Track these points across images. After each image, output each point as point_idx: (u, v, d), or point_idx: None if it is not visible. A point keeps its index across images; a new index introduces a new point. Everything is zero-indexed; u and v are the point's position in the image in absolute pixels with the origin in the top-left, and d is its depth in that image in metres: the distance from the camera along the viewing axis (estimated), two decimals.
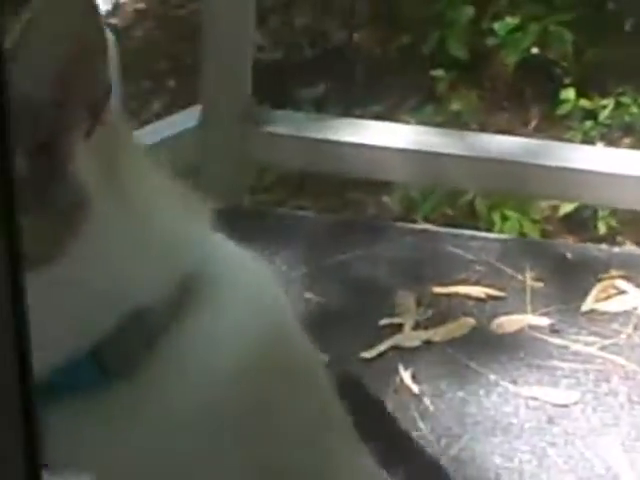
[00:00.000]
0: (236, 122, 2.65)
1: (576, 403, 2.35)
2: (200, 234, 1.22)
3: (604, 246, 2.71)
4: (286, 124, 2.72)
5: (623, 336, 2.44)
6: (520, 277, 2.55)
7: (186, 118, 2.71)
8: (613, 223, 2.91)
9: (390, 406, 2.35)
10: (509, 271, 2.56)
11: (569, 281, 2.56)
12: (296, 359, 1.25)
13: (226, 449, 1.26)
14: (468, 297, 2.51)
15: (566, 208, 3.14)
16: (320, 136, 2.69)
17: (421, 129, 2.83)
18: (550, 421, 2.32)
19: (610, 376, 2.38)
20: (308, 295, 2.52)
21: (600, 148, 2.75)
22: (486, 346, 2.45)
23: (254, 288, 1.25)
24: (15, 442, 0.85)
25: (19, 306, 0.78)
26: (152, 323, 1.23)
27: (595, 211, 3.11)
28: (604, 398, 2.35)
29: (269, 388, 1.21)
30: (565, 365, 2.40)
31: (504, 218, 3.03)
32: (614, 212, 3.05)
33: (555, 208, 3.22)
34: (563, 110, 3.38)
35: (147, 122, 2.91)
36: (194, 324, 1.17)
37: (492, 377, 2.37)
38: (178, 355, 1.23)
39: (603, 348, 2.42)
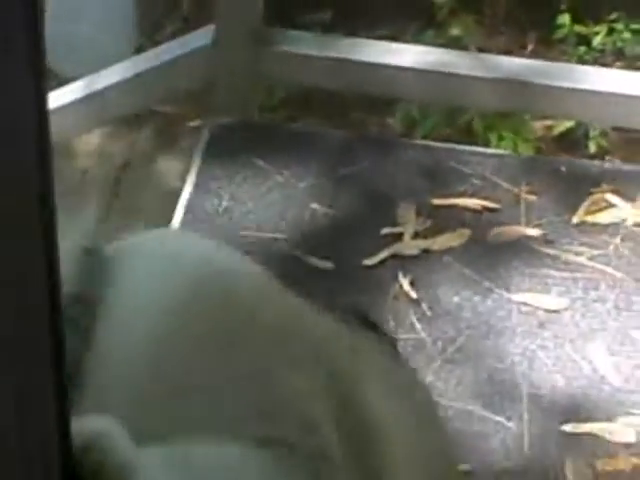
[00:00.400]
0: (248, 41, 2.61)
1: (566, 309, 2.34)
2: None
3: (596, 162, 2.71)
4: (295, 43, 2.68)
5: (611, 247, 2.43)
6: (515, 190, 2.52)
7: (200, 37, 2.65)
8: (604, 142, 2.87)
9: (389, 312, 2.31)
10: (505, 185, 2.52)
11: (562, 194, 2.52)
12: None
13: None
14: (465, 209, 2.48)
15: (559, 128, 3.10)
16: (328, 54, 2.62)
17: (425, 49, 2.76)
18: (541, 326, 2.31)
19: (598, 284, 2.38)
20: (314, 206, 2.48)
21: (594, 68, 2.67)
22: (481, 255, 2.43)
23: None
24: (47, 382, 0.87)
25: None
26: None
27: (587, 131, 3.05)
28: (592, 305, 2.35)
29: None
30: (556, 273, 2.39)
31: (500, 138, 2.98)
32: (604, 132, 3.00)
33: (549, 129, 3.18)
34: (559, 35, 3.32)
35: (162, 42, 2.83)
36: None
37: (487, 284, 2.36)
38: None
39: (592, 258, 2.40)
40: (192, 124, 2.75)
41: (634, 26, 3.31)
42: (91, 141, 2.89)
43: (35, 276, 0.81)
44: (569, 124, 2.99)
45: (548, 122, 3.13)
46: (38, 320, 0.79)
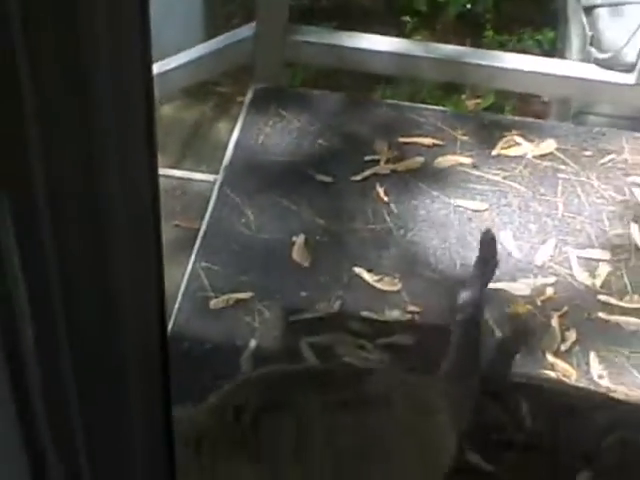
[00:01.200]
0: (279, 33, 2.66)
1: (486, 210, 2.46)
2: None
3: (508, 116, 2.79)
4: (312, 36, 2.72)
5: (517, 170, 2.55)
6: (454, 133, 2.62)
7: (246, 30, 2.70)
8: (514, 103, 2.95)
9: (369, 211, 2.43)
10: (447, 129, 2.64)
11: (485, 137, 2.63)
12: None
13: None
14: (421, 144, 2.59)
15: (484, 104, 3.20)
16: (333, 43, 2.73)
17: (398, 40, 2.88)
18: (469, 220, 2.44)
19: (507, 194, 2.50)
20: (319, 141, 2.60)
21: (505, 53, 2.76)
22: (431, 174, 2.54)
23: None
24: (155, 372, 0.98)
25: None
26: None
27: (502, 106, 3.17)
28: (503, 207, 2.47)
29: None
30: (480, 187, 2.52)
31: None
32: (514, 106, 3.12)
33: (477, 104, 3.24)
34: (485, 42, 3.48)
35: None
36: None
37: (434, 193, 2.50)
38: None
39: (504, 177, 2.54)
40: (239, 99, 2.79)
41: (536, 37, 3.47)
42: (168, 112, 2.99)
43: None
44: (491, 100, 3.07)
45: (478, 100, 3.22)
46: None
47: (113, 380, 1.00)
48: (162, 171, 2.62)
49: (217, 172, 2.58)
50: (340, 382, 1.64)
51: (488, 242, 2.07)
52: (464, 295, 1.96)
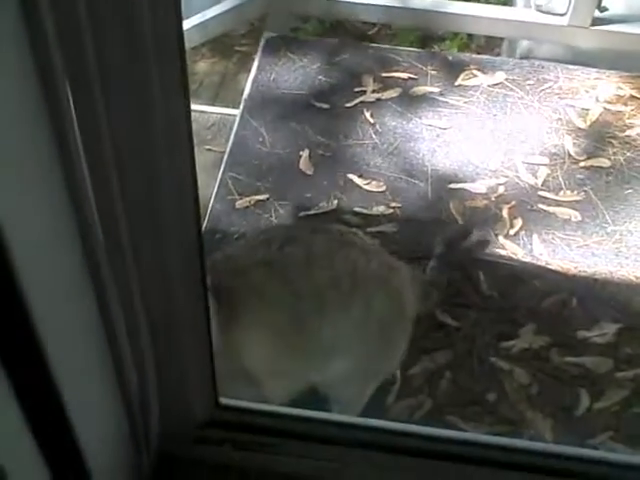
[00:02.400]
0: None
1: (450, 127, 2.42)
2: None
3: (467, 54, 2.73)
4: None
5: (474, 97, 2.50)
6: (425, 68, 2.56)
7: None
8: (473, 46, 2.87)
9: (359, 130, 2.39)
10: (420, 65, 2.57)
11: (449, 70, 2.57)
12: None
13: None
14: (399, 78, 2.54)
15: (452, 45, 3.04)
16: None
17: None
18: (438, 136, 2.40)
19: (468, 115, 2.46)
20: (320, 77, 2.54)
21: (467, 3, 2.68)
22: (407, 101, 2.49)
23: None
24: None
25: None
26: None
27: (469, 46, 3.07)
28: (464, 126, 2.43)
29: None
30: (446, 110, 2.47)
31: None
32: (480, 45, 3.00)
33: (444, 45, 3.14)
34: None
35: None
36: None
37: (409, 115, 2.46)
38: None
39: (465, 102, 2.49)
40: (254, 56, 2.69)
41: None
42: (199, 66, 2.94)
43: None
44: (459, 44, 2.96)
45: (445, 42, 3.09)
46: None
47: (163, 260, 1.07)
48: (196, 107, 2.59)
49: (239, 107, 2.53)
50: (334, 234, 1.69)
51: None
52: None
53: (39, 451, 0.97)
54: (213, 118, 2.65)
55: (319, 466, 1.26)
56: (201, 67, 2.91)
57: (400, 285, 1.69)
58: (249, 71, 2.60)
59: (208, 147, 2.53)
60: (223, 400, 1.22)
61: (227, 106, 2.69)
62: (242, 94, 2.54)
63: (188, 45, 2.91)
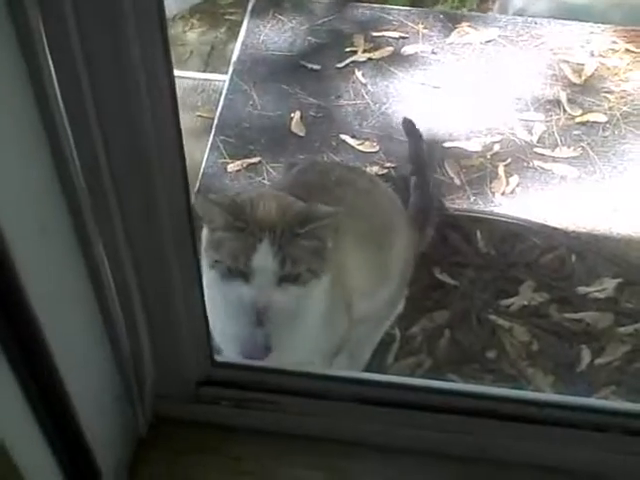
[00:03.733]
0: None
1: (444, 86, 2.36)
2: None
3: (458, 12, 2.67)
4: None
5: (466, 53, 2.45)
6: (416, 27, 2.50)
7: None
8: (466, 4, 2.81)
9: (351, 91, 2.34)
10: (411, 24, 2.52)
11: (442, 28, 2.52)
12: None
13: None
14: (390, 37, 2.48)
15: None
16: None
17: None
18: (430, 95, 2.34)
19: (461, 73, 2.40)
20: (309, 38, 2.48)
21: None
22: (398, 60, 2.44)
23: None
24: None
25: None
26: None
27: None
28: (457, 84, 2.37)
29: None
30: (438, 69, 2.42)
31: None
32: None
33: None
34: None
35: None
36: None
37: (402, 74, 2.40)
38: None
39: (458, 60, 2.44)
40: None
41: None
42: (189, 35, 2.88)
43: None
44: (452, 5, 2.90)
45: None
46: None
47: (151, 220, 1.05)
48: (185, 74, 2.55)
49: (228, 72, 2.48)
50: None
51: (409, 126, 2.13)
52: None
53: (34, 416, 0.95)
54: (202, 84, 2.60)
55: (319, 423, 1.25)
56: (190, 37, 2.85)
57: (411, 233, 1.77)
58: (238, 34, 2.54)
59: (198, 113, 2.49)
60: (218, 358, 1.20)
61: (217, 72, 2.65)
62: (231, 59, 2.49)
63: (173, 13, 2.93)
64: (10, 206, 0.81)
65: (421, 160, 2.08)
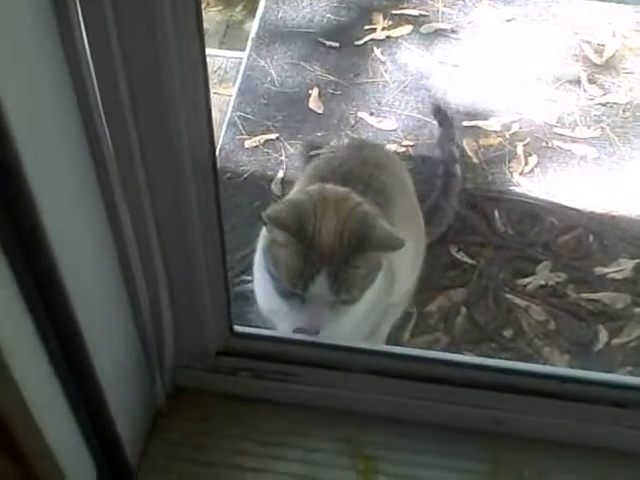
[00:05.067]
0: None
1: (463, 64, 2.34)
2: None
3: None
4: None
5: (487, 33, 2.42)
6: (436, 5, 2.49)
7: None
8: None
9: (370, 69, 2.33)
10: (431, 3, 2.49)
11: (463, 6, 2.49)
12: None
13: None
14: (410, 15, 2.46)
15: None
16: None
17: None
18: (449, 73, 2.32)
19: (481, 52, 2.38)
20: (328, 15, 2.47)
21: None
22: (418, 38, 2.41)
23: None
24: None
25: None
26: None
27: None
28: (477, 62, 2.34)
29: None
30: (458, 48, 2.38)
31: None
32: None
33: None
34: None
35: None
36: None
37: (421, 52, 2.38)
38: None
39: (478, 39, 2.40)
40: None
41: None
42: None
43: None
44: None
45: None
46: None
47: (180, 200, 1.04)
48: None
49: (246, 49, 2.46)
50: None
51: (439, 111, 2.11)
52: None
53: (57, 379, 0.96)
54: (219, 61, 2.59)
55: (336, 395, 1.25)
56: (206, 16, 2.85)
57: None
58: (256, 10, 2.53)
59: (215, 91, 2.48)
60: (238, 328, 1.21)
61: (234, 49, 2.64)
62: (248, 37, 2.47)
63: None
64: (36, 151, 0.81)
65: (452, 147, 2.06)
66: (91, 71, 0.86)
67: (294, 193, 1.51)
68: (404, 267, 1.53)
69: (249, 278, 1.88)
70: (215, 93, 2.45)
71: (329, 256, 1.21)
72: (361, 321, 1.35)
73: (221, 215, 1.09)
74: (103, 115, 0.90)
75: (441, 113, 2.15)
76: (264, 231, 1.32)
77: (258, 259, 1.38)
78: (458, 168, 2.02)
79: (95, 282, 1.02)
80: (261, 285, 1.38)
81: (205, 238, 1.07)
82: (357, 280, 1.24)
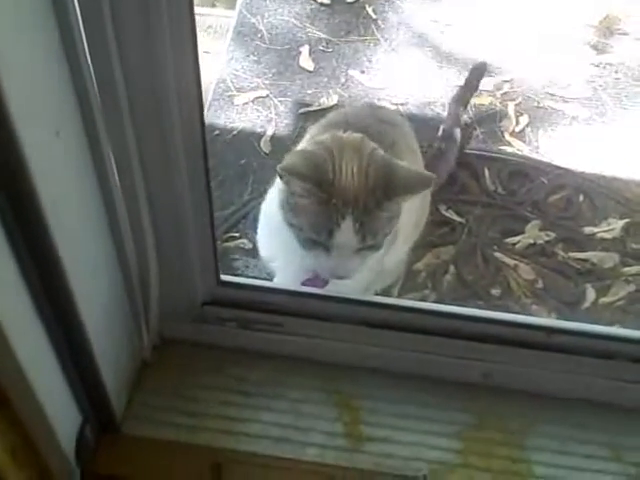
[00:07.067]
0: None
1: (456, 23, 2.32)
2: None
3: None
4: None
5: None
6: None
7: None
8: None
9: (361, 27, 2.29)
10: None
11: None
12: None
13: None
14: None
15: None
16: None
17: None
18: (442, 33, 2.30)
19: (474, 11, 2.35)
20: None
21: None
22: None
23: None
24: None
25: None
26: None
27: None
28: (470, 21, 2.32)
29: None
30: (451, 6, 2.36)
31: None
32: None
33: None
34: None
35: None
36: None
37: (412, 11, 2.35)
38: None
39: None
40: None
41: None
42: None
43: None
44: None
45: None
46: None
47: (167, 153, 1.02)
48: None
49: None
50: None
51: (479, 69, 2.03)
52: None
53: (42, 323, 0.94)
54: (210, 20, 2.55)
55: (322, 345, 1.24)
56: None
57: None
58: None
59: (205, 50, 2.44)
60: (225, 277, 1.19)
61: (225, 7, 2.60)
62: None
63: None
64: (26, 109, 0.79)
65: (459, 110, 2.01)
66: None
67: (305, 144, 1.45)
68: (407, 225, 1.51)
69: (237, 235, 1.89)
70: (205, 52, 2.41)
71: (354, 201, 1.18)
72: (377, 268, 1.34)
73: (207, 163, 1.07)
74: (91, 67, 0.89)
75: (478, 72, 2.06)
76: (279, 184, 1.28)
77: (268, 209, 1.34)
78: (458, 133, 1.99)
79: (80, 226, 1.00)
80: (271, 235, 1.33)
81: (192, 186, 1.05)
82: (383, 224, 1.21)
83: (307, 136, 1.53)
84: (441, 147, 1.95)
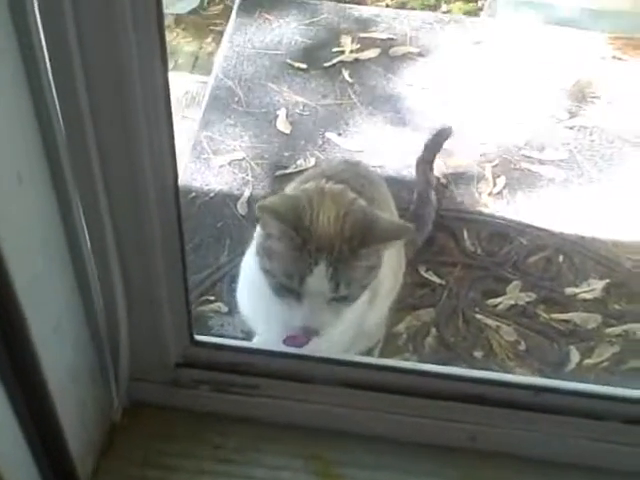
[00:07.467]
0: None
1: (431, 87, 2.33)
2: None
3: (448, 14, 2.64)
4: None
5: (455, 58, 2.42)
6: (404, 29, 2.48)
7: None
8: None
9: (338, 90, 2.29)
10: (399, 26, 2.49)
11: (430, 30, 2.48)
12: None
13: None
14: (378, 38, 2.45)
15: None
16: None
17: None
18: (418, 96, 2.31)
19: (449, 75, 2.37)
20: (296, 37, 2.45)
21: None
22: (386, 61, 2.40)
23: None
24: None
25: None
26: None
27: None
28: (445, 85, 2.33)
29: None
30: (426, 70, 2.38)
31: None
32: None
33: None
34: None
35: None
36: None
37: (390, 75, 2.36)
38: None
39: (445, 62, 2.40)
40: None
41: None
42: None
43: None
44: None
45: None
46: None
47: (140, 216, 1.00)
48: (170, 75, 2.50)
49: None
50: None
51: (443, 133, 2.04)
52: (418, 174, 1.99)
53: (3, 386, 0.89)
54: (188, 86, 2.57)
55: (301, 409, 1.19)
56: (175, 47, 2.83)
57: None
58: (223, 33, 2.50)
59: (183, 115, 2.45)
60: (199, 337, 1.14)
61: (202, 74, 2.61)
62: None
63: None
64: None
65: (429, 173, 2.01)
66: (51, 83, 0.84)
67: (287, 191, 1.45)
68: (386, 282, 1.48)
69: (213, 298, 1.85)
70: (183, 117, 2.41)
71: (328, 247, 1.16)
72: (357, 326, 1.30)
73: (181, 220, 1.03)
74: (65, 134, 0.87)
75: (442, 136, 2.06)
76: (258, 231, 1.26)
77: (247, 264, 1.33)
78: (433, 194, 1.98)
79: (45, 281, 0.96)
80: (251, 290, 1.31)
81: (166, 254, 1.02)
82: (358, 275, 1.18)
83: (287, 189, 1.52)
84: (417, 211, 1.94)
